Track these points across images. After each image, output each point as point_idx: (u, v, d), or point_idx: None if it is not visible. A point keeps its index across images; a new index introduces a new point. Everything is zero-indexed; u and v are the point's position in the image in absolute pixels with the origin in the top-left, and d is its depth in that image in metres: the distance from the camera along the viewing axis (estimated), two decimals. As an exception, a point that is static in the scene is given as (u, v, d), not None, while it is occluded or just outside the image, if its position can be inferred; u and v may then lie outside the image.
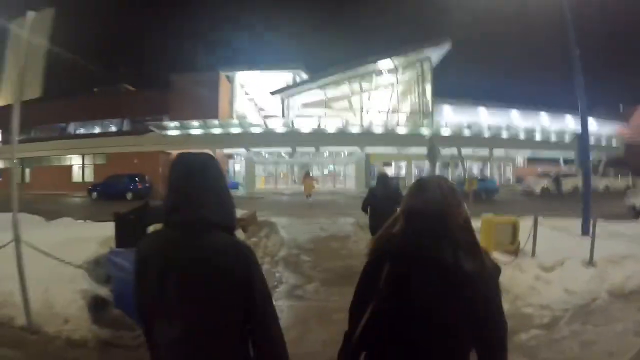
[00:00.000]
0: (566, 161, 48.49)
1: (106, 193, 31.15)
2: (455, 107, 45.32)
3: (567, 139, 44.89)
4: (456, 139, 37.56)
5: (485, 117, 45.66)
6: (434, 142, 15.33)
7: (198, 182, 1.68)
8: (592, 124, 49.85)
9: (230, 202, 1.75)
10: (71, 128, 45.81)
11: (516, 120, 47.35)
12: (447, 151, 39.90)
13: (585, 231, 10.60)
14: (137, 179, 32.51)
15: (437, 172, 17.73)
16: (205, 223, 1.62)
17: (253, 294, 1.60)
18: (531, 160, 49.35)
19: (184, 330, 1.53)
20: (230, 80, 43.50)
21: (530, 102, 48.37)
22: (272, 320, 1.66)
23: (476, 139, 40.02)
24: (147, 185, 32.64)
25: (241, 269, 1.59)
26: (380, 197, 7.25)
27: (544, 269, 7.00)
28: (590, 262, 7.13)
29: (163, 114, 40.19)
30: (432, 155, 14.27)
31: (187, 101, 39.77)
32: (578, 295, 6.17)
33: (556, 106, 50.62)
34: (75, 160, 42.73)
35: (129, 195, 30.90)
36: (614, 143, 50.38)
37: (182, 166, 1.72)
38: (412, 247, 1.67)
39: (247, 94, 43.86)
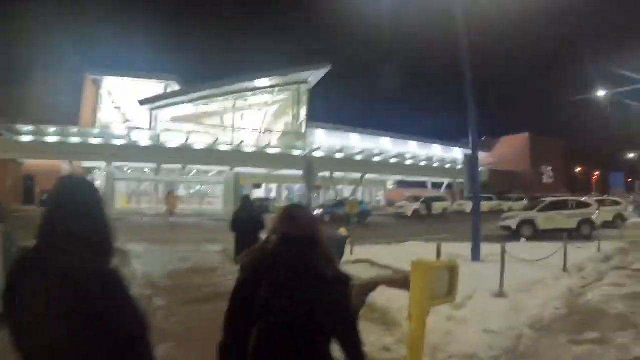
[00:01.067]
0: (434, 185, 51.89)
1: None
2: (328, 130, 46.19)
3: (435, 165, 47.35)
4: (330, 161, 37.43)
5: (357, 142, 46.86)
6: (311, 164, 15.28)
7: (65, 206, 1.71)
8: (458, 151, 53.65)
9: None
10: None
11: (387, 146, 49.20)
12: (320, 174, 40.02)
13: (475, 257, 10.92)
14: None
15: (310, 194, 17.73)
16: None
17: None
18: (401, 184, 51.59)
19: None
20: (97, 85, 40.19)
21: (400, 130, 50.48)
22: None
23: (349, 162, 40.32)
24: None
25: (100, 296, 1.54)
26: (243, 220, 7.23)
27: (454, 307, 6.19)
28: (501, 293, 7.10)
29: (16, 115, 35.57)
30: (309, 177, 14.27)
31: (47, 103, 36.02)
32: (501, 336, 5.71)
33: (424, 134, 55.99)
34: None
35: None
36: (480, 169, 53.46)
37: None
38: (289, 262, 2.00)
39: (114, 102, 40.65)
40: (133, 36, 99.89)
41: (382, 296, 6.32)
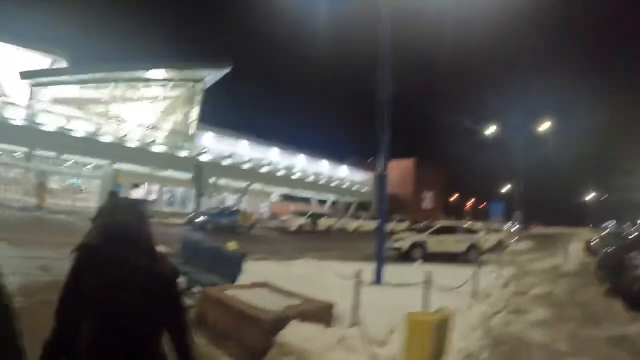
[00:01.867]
0: (319, 201, 52.78)
1: None
2: (218, 135, 45.26)
3: (322, 181, 48.01)
4: (217, 167, 36.64)
5: (246, 150, 46.57)
6: (201, 168, 15.69)
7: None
8: (345, 170, 55.00)
9: None
10: None
11: (275, 157, 49.28)
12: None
13: (377, 279, 10.86)
14: None
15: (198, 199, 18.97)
16: None
17: None
18: (285, 197, 51.68)
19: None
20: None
21: (291, 142, 50.60)
22: None
23: (237, 170, 39.64)
24: None
25: None
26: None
27: (378, 344, 5.73)
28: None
29: None
30: (199, 182, 14.41)
31: None
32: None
33: (313, 149, 55.41)
34: None
35: None
36: (364, 189, 57.27)
37: None
38: (114, 257, 2.00)
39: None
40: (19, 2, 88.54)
41: (295, 334, 5.36)
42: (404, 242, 21.08)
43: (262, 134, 49.99)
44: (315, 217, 38.91)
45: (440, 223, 24.82)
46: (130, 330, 1.96)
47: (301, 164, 51.50)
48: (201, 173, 14.59)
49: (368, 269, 10.64)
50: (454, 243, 21.39)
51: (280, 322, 5.52)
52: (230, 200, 41.84)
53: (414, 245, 20.69)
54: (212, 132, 44.21)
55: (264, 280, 7.93)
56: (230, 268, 8.36)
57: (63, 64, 37.04)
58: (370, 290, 8.33)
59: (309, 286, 8.14)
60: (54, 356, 1.91)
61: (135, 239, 2.11)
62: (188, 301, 7.20)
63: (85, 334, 1.92)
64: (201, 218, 30.94)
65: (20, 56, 35.58)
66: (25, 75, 34.12)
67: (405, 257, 20.03)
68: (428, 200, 73.15)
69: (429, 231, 21.87)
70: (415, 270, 12.72)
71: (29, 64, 34.76)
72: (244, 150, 45.91)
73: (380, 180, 12.78)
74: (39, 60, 36.02)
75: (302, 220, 37.21)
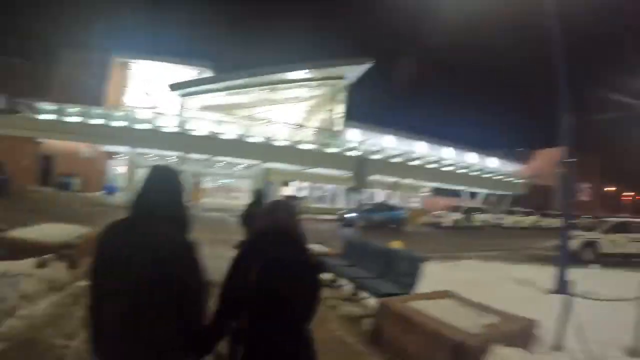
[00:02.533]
0: (472, 195, 48.27)
1: None
2: (364, 130, 43.03)
3: (473, 173, 44.00)
4: (369, 162, 34.13)
5: (393, 145, 43.62)
6: (364, 162, 13.86)
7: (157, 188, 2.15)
8: (495, 162, 50.17)
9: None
10: None
11: (423, 150, 45.78)
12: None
13: (562, 288, 8.11)
14: None
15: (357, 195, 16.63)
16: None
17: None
18: (435, 191, 47.62)
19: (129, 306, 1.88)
20: (125, 67, 37.59)
21: (438, 135, 47.32)
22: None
23: (387, 164, 36.74)
24: (4, 177, 26.77)
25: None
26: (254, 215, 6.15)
27: None
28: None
29: (40, 93, 33.26)
30: (360, 176, 13.00)
31: (72, 83, 33.85)
32: None
33: (460, 141, 51.40)
34: None
35: None
36: (517, 181, 52.09)
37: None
38: (275, 250, 2.32)
39: (142, 86, 38.00)
40: (167, 20, 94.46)
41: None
42: (574, 241, 16.88)
43: (408, 127, 46.75)
44: (470, 211, 35.65)
45: (616, 219, 20.36)
46: (286, 315, 2.24)
47: (449, 156, 47.78)
48: (363, 167, 12.66)
49: (541, 274, 10.02)
50: (632, 243, 17.41)
51: (483, 346, 4.34)
52: (379, 196, 39.16)
53: (585, 245, 17.13)
54: (358, 129, 42.21)
55: (445, 289, 6.55)
56: (407, 274, 7.15)
57: (208, 74, 37.52)
58: (552, 300, 7.03)
59: (486, 295, 6.54)
60: (212, 340, 2.19)
61: (288, 234, 2.44)
62: (355, 309, 7.23)
63: (245, 320, 2.20)
64: (353, 214, 28.98)
65: (167, 72, 36.89)
66: (175, 87, 34.79)
67: (572, 258, 16.21)
68: (584, 192, 65.23)
69: (603, 229, 18.19)
70: (596, 276, 10.85)
71: (177, 77, 35.58)
72: (391, 144, 43.20)
73: (567, 170, 9.97)
74: (186, 73, 36.85)
75: (456, 216, 34.44)
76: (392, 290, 6.77)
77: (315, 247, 10.41)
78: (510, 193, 49.94)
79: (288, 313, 2.24)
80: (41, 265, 6.81)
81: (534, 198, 49.77)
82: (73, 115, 32.61)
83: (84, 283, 6.48)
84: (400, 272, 7.36)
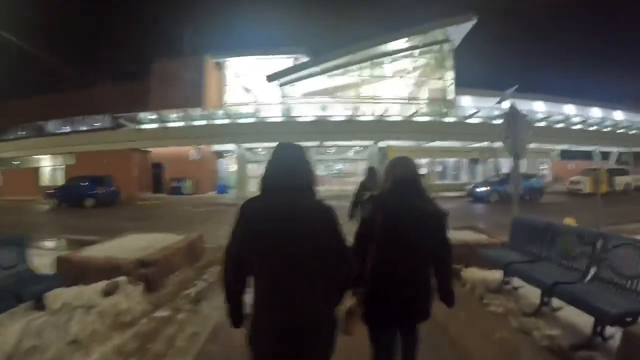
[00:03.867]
0: (604, 156, 41.10)
1: (66, 198, 25.27)
2: (478, 97, 37.18)
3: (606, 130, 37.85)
4: (489, 128, 29.62)
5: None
6: (519, 114, 9.04)
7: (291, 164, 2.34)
8: (621, 115, 43.41)
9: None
10: (50, 127, 38.29)
11: (544, 109, 39.38)
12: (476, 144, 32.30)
13: None
14: (99, 181, 25.63)
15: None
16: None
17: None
18: (563, 154, 40.61)
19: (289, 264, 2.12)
20: (221, 67, 35.61)
21: (555, 91, 40.71)
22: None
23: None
24: (111, 189, 26.26)
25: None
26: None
27: None
28: None
29: (142, 107, 32.35)
30: (513, 137, 8.66)
31: (169, 91, 32.56)
32: None
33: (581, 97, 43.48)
34: (45, 162, 36.81)
35: (89, 202, 24.67)
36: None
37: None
38: (398, 200, 2.75)
39: (239, 83, 35.87)
40: (256, 13, 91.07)
41: None
42: None
43: (524, 87, 40.40)
44: (612, 174, 29.52)
45: None
46: (406, 253, 2.69)
47: (574, 112, 40.88)
48: (521, 119, 8.73)
49: None
50: None
51: None
52: (505, 165, 34.16)
53: None
54: (471, 95, 37.00)
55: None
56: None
57: (304, 60, 34.68)
58: None
59: None
60: (355, 272, 2.44)
61: (408, 185, 2.81)
62: (554, 331, 4.55)
63: (373, 255, 2.71)
64: (483, 188, 24.91)
65: (262, 65, 34.60)
66: (272, 77, 32.46)
67: None
68: None
69: None
70: None
71: (274, 69, 33.12)
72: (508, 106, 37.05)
73: None
74: (282, 63, 34.05)
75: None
76: (628, 306, 3.98)
77: (465, 235, 8.51)
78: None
79: (408, 252, 2.68)
80: (109, 291, 5.35)
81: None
82: (173, 121, 31.41)
83: (163, 313, 5.30)
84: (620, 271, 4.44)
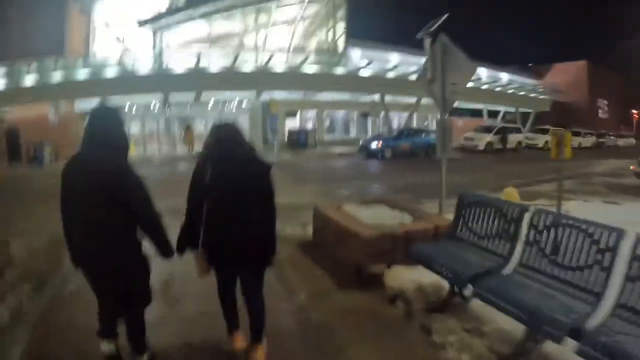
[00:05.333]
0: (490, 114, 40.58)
1: None
2: (367, 49, 33.73)
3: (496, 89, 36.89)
4: (381, 81, 27.36)
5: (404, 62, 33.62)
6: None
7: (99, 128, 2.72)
8: (507, 77, 43.32)
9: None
10: None
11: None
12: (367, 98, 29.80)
13: None
14: None
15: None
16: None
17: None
18: (452, 112, 38.88)
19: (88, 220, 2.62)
20: (86, 11, 30.15)
21: None
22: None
23: (403, 82, 29.29)
24: None
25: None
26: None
27: None
28: None
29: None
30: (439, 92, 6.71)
31: (25, 37, 26.51)
32: None
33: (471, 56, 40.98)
34: None
35: None
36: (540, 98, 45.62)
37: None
38: (224, 154, 2.95)
39: (111, 31, 30.79)
40: None
41: None
42: None
43: (416, 42, 37.68)
44: (506, 132, 28.84)
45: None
46: (234, 204, 2.89)
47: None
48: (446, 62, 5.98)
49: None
50: None
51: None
52: (396, 120, 32.15)
53: None
54: (362, 48, 33.43)
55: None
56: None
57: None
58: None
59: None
60: (189, 228, 3.05)
61: (235, 143, 3.02)
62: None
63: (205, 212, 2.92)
64: (375, 142, 22.53)
65: (134, 8, 29.32)
66: (144, 22, 27.88)
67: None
68: (603, 110, 58.19)
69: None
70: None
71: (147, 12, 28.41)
72: (399, 61, 33.57)
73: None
74: (157, 7, 29.39)
75: (489, 138, 27.63)
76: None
77: (380, 215, 5.81)
78: (532, 110, 42.43)
79: (231, 198, 2.89)
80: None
81: (554, 116, 43.85)
82: (27, 75, 26.02)
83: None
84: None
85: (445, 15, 8.67)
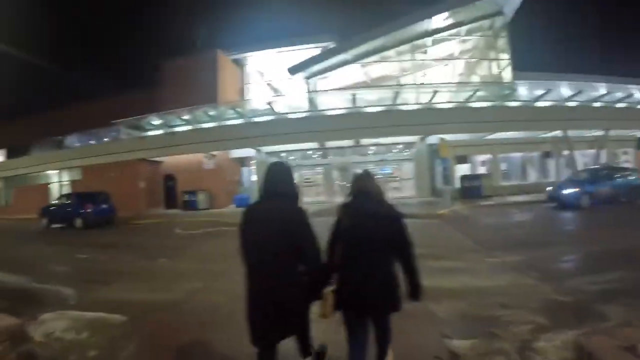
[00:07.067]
0: None
1: (55, 218, 20.37)
2: (534, 81, 27.80)
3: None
4: (562, 111, 22.51)
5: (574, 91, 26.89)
6: None
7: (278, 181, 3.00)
8: None
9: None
10: (67, 141, 32.24)
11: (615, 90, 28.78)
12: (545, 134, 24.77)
13: None
14: (88, 199, 20.10)
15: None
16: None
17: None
18: None
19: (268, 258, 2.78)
20: (239, 64, 29.46)
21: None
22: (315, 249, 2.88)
23: (589, 112, 23.67)
24: (102, 207, 20.31)
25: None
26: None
27: None
28: None
29: (150, 114, 26.20)
30: None
31: (179, 93, 26.37)
32: None
33: None
34: (53, 178, 32.06)
35: (78, 223, 19.22)
36: None
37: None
38: (359, 206, 3.09)
39: (263, 80, 29.91)
40: (267, 3, 73.77)
41: None
42: None
43: (589, 67, 30.94)
44: None
45: None
46: (370, 248, 2.94)
47: None
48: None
49: None
50: None
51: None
52: (579, 160, 25.99)
53: None
54: (529, 80, 27.68)
55: None
56: None
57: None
58: None
59: None
60: (328, 269, 3.02)
61: (370, 194, 3.17)
62: None
63: (342, 258, 3.02)
64: (571, 189, 17.31)
65: (291, 57, 28.26)
66: (294, 70, 26.09)
67: None
68: None
69: None
70: None
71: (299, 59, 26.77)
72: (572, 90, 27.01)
73: None
74: (311, 53, 27.70)
75: None
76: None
77: None
78: None
79: (367, 248, 2.94)
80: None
81: None
82: (180, 125, 25.43)
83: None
84: None
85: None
